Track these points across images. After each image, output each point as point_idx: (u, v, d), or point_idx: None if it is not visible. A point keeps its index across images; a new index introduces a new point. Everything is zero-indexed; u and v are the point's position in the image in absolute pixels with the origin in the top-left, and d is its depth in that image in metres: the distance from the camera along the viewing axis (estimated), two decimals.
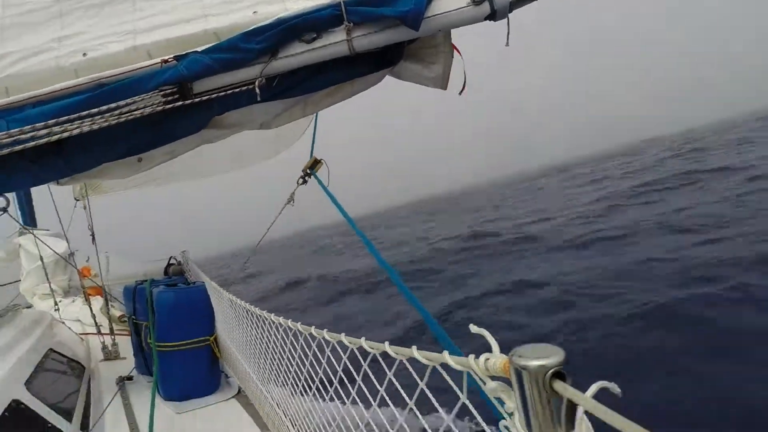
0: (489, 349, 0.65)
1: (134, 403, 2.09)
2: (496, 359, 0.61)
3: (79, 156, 2.00)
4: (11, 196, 4.60)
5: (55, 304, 3.87)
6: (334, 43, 1.79)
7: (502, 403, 0.62)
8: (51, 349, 2.22)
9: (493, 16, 1.76)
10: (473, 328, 0.70)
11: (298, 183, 1.95)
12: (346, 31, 1.77)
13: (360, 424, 1.29)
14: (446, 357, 0.67)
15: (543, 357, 0.53)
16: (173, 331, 2.16)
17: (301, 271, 20.45)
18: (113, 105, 1.75)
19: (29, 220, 5.11)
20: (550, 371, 0.52)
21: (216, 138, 2.26)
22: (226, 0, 2.07)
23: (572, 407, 0.52)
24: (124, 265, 4.15)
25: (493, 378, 0.62)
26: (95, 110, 1.74)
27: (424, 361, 0.76)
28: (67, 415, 1.79)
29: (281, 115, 2.16)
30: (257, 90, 1.80)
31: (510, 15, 1.82)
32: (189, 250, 3.40)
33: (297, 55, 1.82)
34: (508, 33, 1.86)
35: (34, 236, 4.11)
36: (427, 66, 2.04)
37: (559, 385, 0.52)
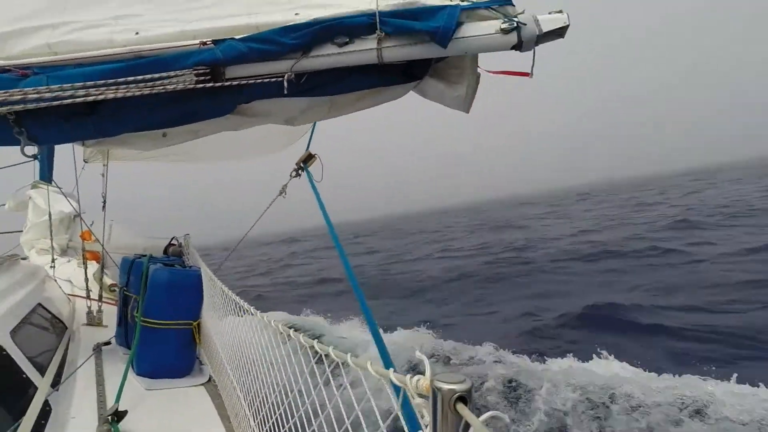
0: None
1: (106, 370, 2.11)
2: (424, 380, 0.71)
3: (108, 121, 2.10)
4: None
5: (53, 261, 3.97)
6: (364, 50, 1.87)
7: (422, 416, 0.74)
8: (39, 304, 2.28)
9: (519, 46, 1.82)
10: (417, 354, 0.81)
11: (290, 176, 1.99)
12: (377, 40, 1.84)
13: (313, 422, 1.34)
14: (390, 374, 0.78)
15: (455, 383, 0.64)
16: (160, 309, 2.19)
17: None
18: (147, 76, 1.85)
19: (47, 175, 5.29)
20: (456, 395, 0.63)
21: (240, 126, 2.35)
22: (271, 1, 2.16)
23: (467, 427, 0.64)
24: (125, 236, 4.22)
25: (420, 395, 0.73)
26: (131, 78, 1.84)
27: (374, 374, 0.88)
28: (41, 369, 1.81)
29: (306, 113, 2.23)
30: (285, 83, 1.87)
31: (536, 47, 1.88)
32: (191, 235, 3.46)
33: (327, 56, 1.90)
34: (533, 65, 1.91)
35: (47, 191, 4.29)
36: (451, 86, 2.10)
37: (461, 408, 0.64)
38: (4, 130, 2.04)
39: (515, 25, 1.79)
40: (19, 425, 1.29)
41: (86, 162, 5.29)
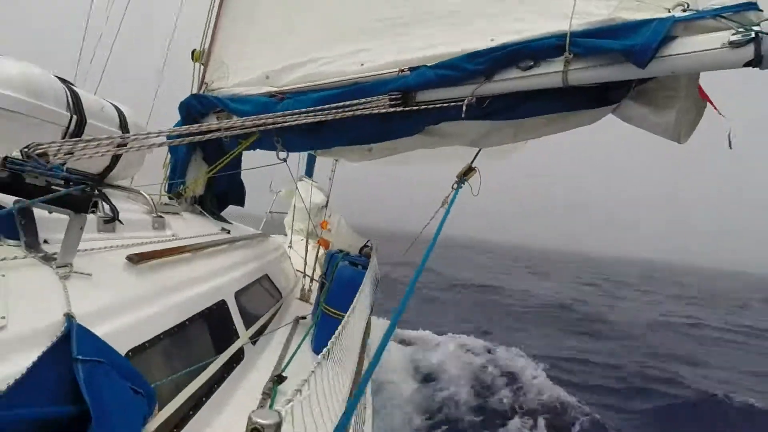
0: None
1: (294, 340, 2.53)
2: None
3: (328, 137, 2.57)
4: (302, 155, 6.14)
5: (290, 241, 5.06)
6: (548, 72, 1.76)
7: None
8: (266, 275, 2.93)
9: (757, 62, 1.40)
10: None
11: (452, 188, 2.00)
12: (564, 62, 1.71)
13: None
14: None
15: (262, 417, 0.74)
16: (338, 301, 2.49)
17: None
18: (354, 101, 2.18)
19: (309, 172, 6.72)
20: (252, 426, 0.73)
21: (430, 145, 2.51)
22: (474, 30, 2.20)
23: None
24: (344, 230, 5.04)
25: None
26: (341, 104, 2.20)
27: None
28: (249, 324, 2.29)
29: (489, 136, 2.23)
30: (464, 107, 1.93)
31: None
32: (377, 241, 3.85)
33: (510, 80, 1.87)
34: None
35: (309, 185, 5.51)
36: (657, 111, 1.76)
37: None
38: (268, 140, 2.74)
39: (752, 35, 1.39)
40: (215, 359, 1.74)
41: (336, 161, 6.48)
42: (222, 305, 2.05)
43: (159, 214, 2.27)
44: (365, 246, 3.44)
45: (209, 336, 1.85)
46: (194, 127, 2.08)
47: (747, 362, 10.00)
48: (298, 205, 5.93)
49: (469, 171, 2.07)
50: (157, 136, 1.98)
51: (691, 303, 21.29)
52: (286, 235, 5.89)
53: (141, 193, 2.35)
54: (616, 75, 1.64)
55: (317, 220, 5.32)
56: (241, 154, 3.31)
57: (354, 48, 2.55)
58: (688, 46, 1.51)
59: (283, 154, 2.80)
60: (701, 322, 14.90)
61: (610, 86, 1.78)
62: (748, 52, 1.40)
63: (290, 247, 4.92)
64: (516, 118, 2.03)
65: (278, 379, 1.86)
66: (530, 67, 1.81)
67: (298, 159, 5.90)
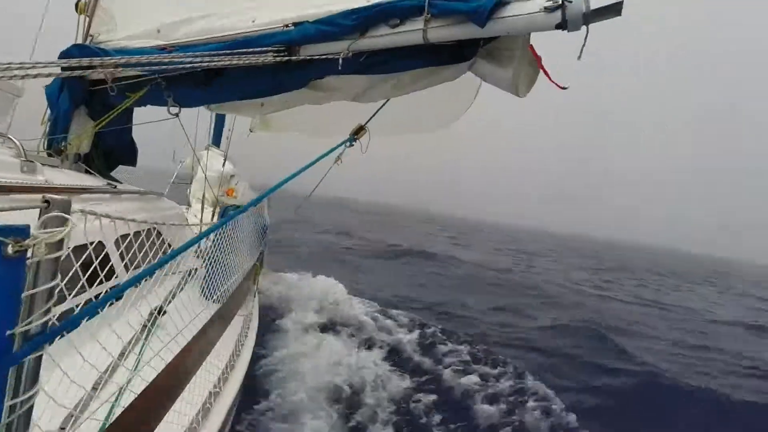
0: None
1: (183, 288, 2.65)
2: None
3: (220, 91, 2.64)
4: (211, 119, 6.02)
5: (188, 206, 5.08)
6: (412, 30, 2.01)
7: None
8: (156, 229, 2.98)
9: (564, 25, 1.75)
10: None
11: (345, 145, 2.21)
12: (424, 20, 1.96)
13: None
14: None
15: None
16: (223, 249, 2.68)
17: None
18: (242, 50, 2.27)
19: (216, 141, 6.59)
20: None
21: (317, 100, 2.68)
22: None
23: None
24: (248, 193, 5.15)
25: None
26: (229, 52, 2.28)
27: None
28: (126, 267, 2.33)
29: (370, 91, 2.46)
30: (340, 60, 2.12)
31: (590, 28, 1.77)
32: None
33: (381, 36, 2.10)
34: (583, 46, 1.80)
35: (208, 154, 5.46)
36: (500, 68, 2.09)
37: None
38: (158, 93, 2.72)
39: (560, 2, 1.73)
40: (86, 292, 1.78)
41: (251, 131, 6.46)
42: (99, 247, 2.05)
43: (29, 159, 2.12)
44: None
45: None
46: (73, 61, 2.00)
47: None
48: (203, 174, 5.82)
49: (359, 130, 2.27)
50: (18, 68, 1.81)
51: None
52: (189, 205, 5.77)
53: (9, 137, 2.22)
54: (465, 33, 1.93)
55: (224, 189, 5.29)
56: (131, 110, 3.24)
57: (246, 5, 2.64)
58: (516, 9, 1.82)
59: (174, 109, 2.80)
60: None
61: (464, 44, 2.07)
62: (557, 16, 1.74)
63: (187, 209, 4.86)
64: (390, 72, 2.27)
65: (159, 311, 1.95)
66: (397, 25, 2.05)
67: (205, 122, 5.77)
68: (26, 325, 0.73)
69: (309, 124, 5.10)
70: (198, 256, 3.62)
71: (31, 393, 0.77)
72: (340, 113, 2.97)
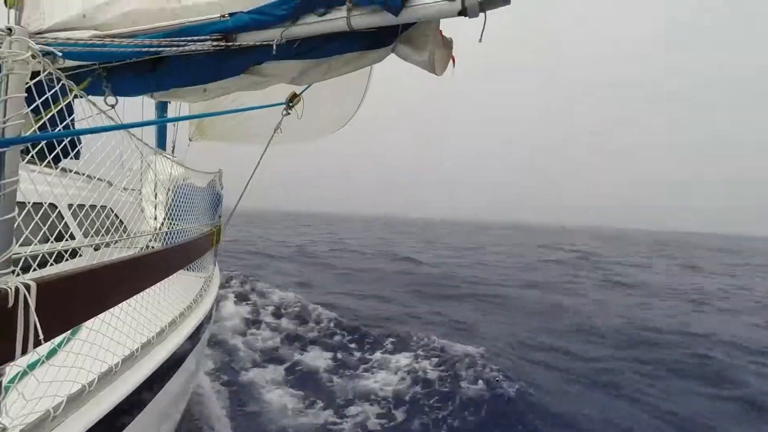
0: None
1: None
2: None
3: (162, 78, 2.78)
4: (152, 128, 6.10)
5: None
6: (336, 18, 2.26)
7: None
8: (110, 207, 3.12)
9: (464, 12, 2.06)
10: None
11: (282, 114, 2.44)
12: (347, 9, 2.22)
13: None
14: None
15: None
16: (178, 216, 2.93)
17: None
18: (182, 39, 2.44)
19: (161, 145, 6.59)
20: None
21: (257, 85, 2.87)
22: None
23: None
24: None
25: None
26: (170, 40, 2.44)
27: None
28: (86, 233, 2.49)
29: (305, 74, 2.69)
30: (274, 47, 2.34)
31: (488, 14, 2.10)
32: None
33: (310, 24, 2.33)
34: (483, 30, 2.13)
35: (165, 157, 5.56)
36: (417, 51, 2.39)
37: None
38: (97, 83, 2.82)
39: None
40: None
41: (191, 140, 6.59)
42: (52, 207, 2.15)
43: None
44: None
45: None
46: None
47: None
48: (153, 179, 5.82)
49: (293, 97, 2.50)
50: None
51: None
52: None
53: None
54: (384, 21, 2.20)
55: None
56: (70, 103, 3.28)
57: None
58: None
59: (111, 100, 2.90)
60: None
61: (383, 31, 2.34)
62: (458, 5, 2.05)
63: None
64: (322, 57, 2.51)
65: None
66: (323, 14, 2.29)
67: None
68: None
69: (240, 131, 5.46)
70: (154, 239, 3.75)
71: None
72: (269, 118, 3.24)
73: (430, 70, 2.44)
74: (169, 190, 5.28)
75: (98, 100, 2.95)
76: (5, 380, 0.99)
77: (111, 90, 2.84)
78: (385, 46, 2.42)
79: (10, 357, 0.91)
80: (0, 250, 0.93)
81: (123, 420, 1.48)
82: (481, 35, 2.14)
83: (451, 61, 2.39)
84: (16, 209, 1.11)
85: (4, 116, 0.92)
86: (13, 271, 0.99)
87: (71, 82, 2.81)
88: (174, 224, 2.83)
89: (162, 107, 6.32)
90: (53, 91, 2.87)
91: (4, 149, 0.94)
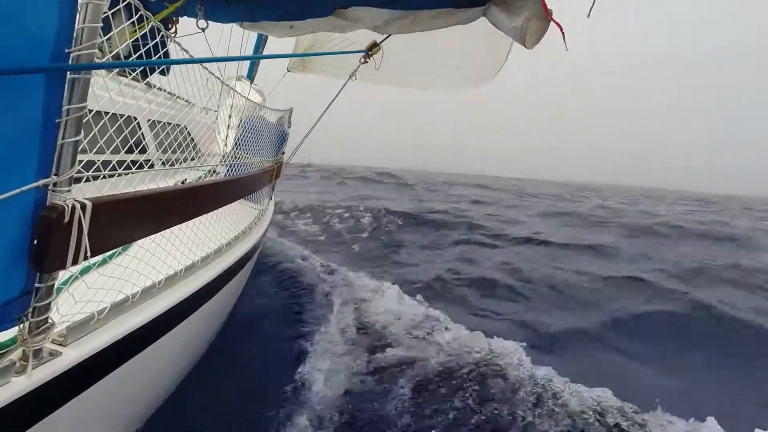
0: None
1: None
2: None
3: (251, 11, 2.82)
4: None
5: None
6: None
7: None
8: (185, 126, 3.33)
9: None
10: None
11: (360, 61, 2.39)
12: None
13: None
14: None
15: None
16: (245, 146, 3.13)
17: None
18: None
19: (250, 75, 6.74)
20: None
21: (342, 28, 2.84)
22: None
23: None
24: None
25: None
26: None
27: None
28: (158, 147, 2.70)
29: (391, 24, 2.60)
30: None
31: None
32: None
33: None
34: (593, 6, 1.94)
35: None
36: (511, 17, 2.22)
37: None
38: (191, 5, 2.91)
39: None
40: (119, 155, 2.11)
41: (289, 71, 6.65)
42: (132, 119, 2.31)
43: None
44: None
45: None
46: None
47: None
48: (231, 102, 6.05)
49: (374, 46, 2.45)
50: None
51: None
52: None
53: None
54: None
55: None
56: (169, 20, 3.42)
57: None
58: None
59: (202, 23, 2.99)
60: None
61: None
62: None
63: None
64: (410, 9, 2.41)
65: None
66: None
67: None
68: None
69: (340, 68, 5.34)
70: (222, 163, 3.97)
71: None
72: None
73: (519, 41, 2.28)
74: (242, 118, 5.49)
75: (191, 22, 3.09)
76: (58, 282, 1.11)
77: (204, 14, 2.92)
78: (477, 6, 2.28)
79: (62, 266, 1.02)
80: (63, 170, 1.02)
81: (158, 332, 1.62)
82: (591, 10, 1.96)
83: (559, 31, 2.19)
84: (91, 121, 1.16)
85: (80, 43, 0.97)
86: (78, 180, 1.07)
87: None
88: (240, 154, 2.97)
89: (259, 39, 6.38)
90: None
91: (76, 75, 1.01)
